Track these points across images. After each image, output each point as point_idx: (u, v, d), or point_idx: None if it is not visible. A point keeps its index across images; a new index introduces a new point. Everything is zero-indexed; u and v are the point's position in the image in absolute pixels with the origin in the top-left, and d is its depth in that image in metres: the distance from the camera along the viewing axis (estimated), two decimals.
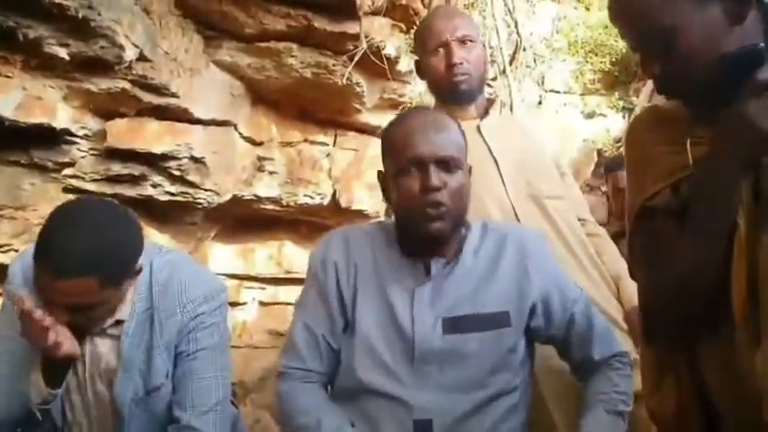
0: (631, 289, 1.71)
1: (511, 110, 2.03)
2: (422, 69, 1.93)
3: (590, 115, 3.84)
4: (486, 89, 1.95)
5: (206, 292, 1.67)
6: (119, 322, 1.61)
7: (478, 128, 1.86)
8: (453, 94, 1.88)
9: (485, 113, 1.91)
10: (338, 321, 1.49)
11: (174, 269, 1.67)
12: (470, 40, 1.85)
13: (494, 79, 2.49)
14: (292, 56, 2.95)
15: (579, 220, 1.89)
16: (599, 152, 3.67)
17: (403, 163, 1.40)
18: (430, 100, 2.07)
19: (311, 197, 3.45)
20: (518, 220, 1.77)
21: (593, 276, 1.79)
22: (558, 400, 1.68)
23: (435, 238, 1.40)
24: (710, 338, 1.08)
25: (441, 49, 1.85)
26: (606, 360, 1.48)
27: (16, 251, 2.84)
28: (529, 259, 1.46)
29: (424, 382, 1.39)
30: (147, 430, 1.66)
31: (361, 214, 3.58)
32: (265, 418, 2.62)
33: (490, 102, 1.95)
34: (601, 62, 3.75)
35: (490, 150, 1.82)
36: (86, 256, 1.42)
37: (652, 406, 1.25)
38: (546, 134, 1.98)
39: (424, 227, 1.39)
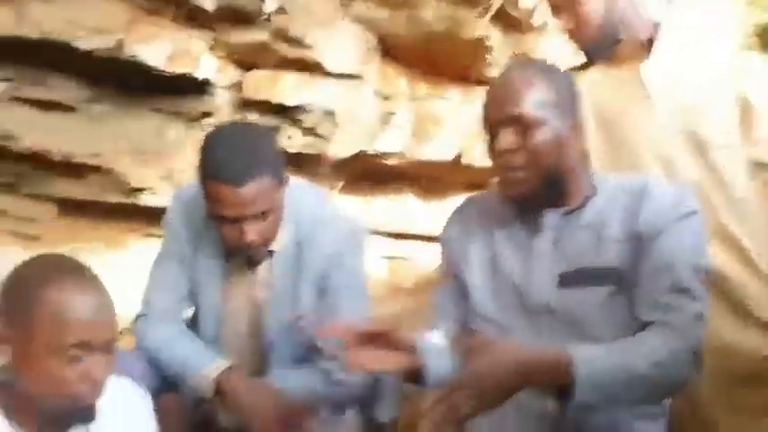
0: None
1: None
2: None
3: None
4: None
5: (350, 231, 1.75)
6: (270, 253, 1.72)
7: (637, 68, 1.79)
8: (583, 52, 1.86)
9: (646, 51, 1.80)
10: (462, 296, 1.52)
11: (320, 207, 1.76)
12: None
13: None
14: (426, 8, 2.96)
15: (757, 164, 1.77)
16: None
17: (484, 125, 1.40)
18: (565, 55, 2.04)
19: (436, 153, 3.47)
20: (676, 173, 1.70)
21: (755, 232, 1.70)
22: (707, 375, 1.62)
23: (521, 201, 1.38)
24: None
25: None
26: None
27: (160, 194, 3.03)
28: (647, 206, 1.36)
29: (538, 337, 1.38)
30: (291, 358, 1.78)
31: (485, 171, 3.56)
32: None
33: (655, 32, 1.81)
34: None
35: (648, 91, 1.75)
36: (256, 158, 1.57)
37: None
38: (726, 72, 1.81)
39: (506, 192, 1.37)
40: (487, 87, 1.45)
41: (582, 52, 1.90)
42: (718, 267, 1.63)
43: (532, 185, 1.35)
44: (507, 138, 1.34)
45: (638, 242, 1.35)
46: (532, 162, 1.34)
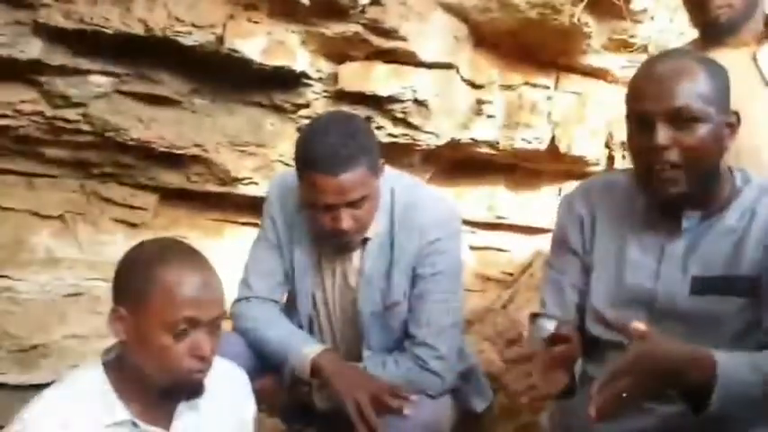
0: None
1: None
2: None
3: None
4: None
5: (444, 217, 1.76)
6: (365, 241, 1.75)
7: (754, 55, 1.72)
8: (712, 27, 1.78)
9: (765, 38, 1.75)
10: (582, 275, 1.48)
11: (414, 194, 1.77)
12: None
13: None
14: None
15: None
16: None
17: (631, 116, 1.32)
18: (664, 41, 1.96)
19: (528, 141, 3.42)
20: None
21: None
22: None
23: (670, 202, 1.31)
24: None
25: None
26: None
27: (256, 184, 3.12)
28: None
29: None
30: (383, 343, 1.80)
31: (580, 161, 3.48)
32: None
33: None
34: None
35: (766, 82, 1.68)
36: (351, 148, 1.60)
37: None
38: None
39: (655, 190, 1.30)
40: (637, 74, 1.36)
41: (701, 29, 1.83)
42: None
43: (684, 186, 1.28)
44: (664, 132, 1.25)
45: None
46: (689, 160, 1.27)
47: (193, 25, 2.70)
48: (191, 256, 1.32)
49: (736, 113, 1.34)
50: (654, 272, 1.36)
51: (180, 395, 1.32)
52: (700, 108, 1.27)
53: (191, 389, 1.30)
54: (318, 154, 1.61)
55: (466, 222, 4.07)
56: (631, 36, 3.11)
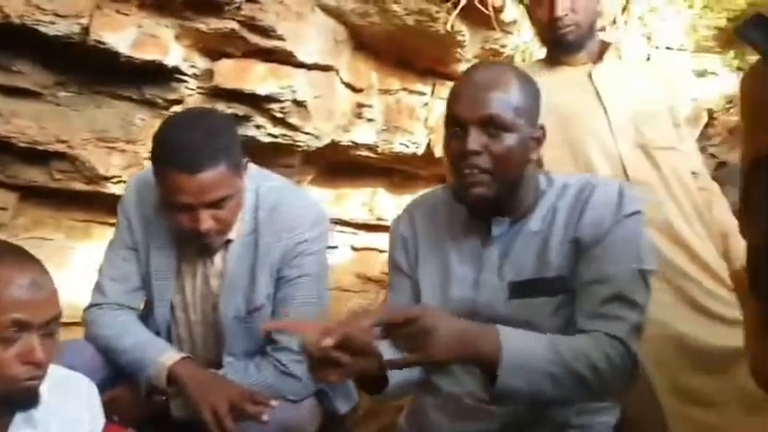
0: (740, 246, 1.67)
1: None
2: (530, 17, 1.94)
3: (701, 74, 3.65)
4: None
5: (311, 219, 1.73)
6: (228, 243, 1.70)
7: (590, 74, 1.84)
8: (559, 44, 1.88)
9: (598, 58, 1.88)
10: (413, 293, 1.51)
11: (280, 195, 1.74)
12: None
13: (602, 30, 2.43)
14: (396, 2, 2.94)
15: (692, 173, 1.85)
16: (709, 113, 3.50)
17: (449, 121, 1.36)
18: (530, 52, 2.06)
19: (406, 146, 3.47)
20: (624, 170, 1.74)
21: (698, 230, 1.76)
22: (659, 364, 1.66)
23: (476, 204, 1.35)
24: None
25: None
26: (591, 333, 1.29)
27: (125, 183, 2.99)
28: (587, 211, 1.35)
29: None
30: (246, 348, 1.76)
31: None
32: None
33: (605, 45, 1.92)
34: (717, 18, 3.52)
35: (600, 97, 1.80)
36: (211, 147, 1.54)
37: (758, 367, 1.21)
38: (675, 81, 1.93)
39: (464, 192, 1.34)
40: (457, 82, 1.40)
41: (549, 47, 1.93)
42: (669, 261, 1.68)
43: (491, 191, 1.32)
44: (476, 138, 1.30)
45: (579, 248, 1.34)
46: (497, 167, 1.31)
47: (56, 14, 2.55)
48: (18, 256, 1.24)
49: (543, 128, 1.40)
50: (474, 281, 1.41)
51: (11, 405, 1.24)
52: (510, 118, 1.32)
53: (23, 398, 1.22)
54: (176, 150, 1.54)
55: (347, 224, 4.09)
56: (502, 46, 3.22)
